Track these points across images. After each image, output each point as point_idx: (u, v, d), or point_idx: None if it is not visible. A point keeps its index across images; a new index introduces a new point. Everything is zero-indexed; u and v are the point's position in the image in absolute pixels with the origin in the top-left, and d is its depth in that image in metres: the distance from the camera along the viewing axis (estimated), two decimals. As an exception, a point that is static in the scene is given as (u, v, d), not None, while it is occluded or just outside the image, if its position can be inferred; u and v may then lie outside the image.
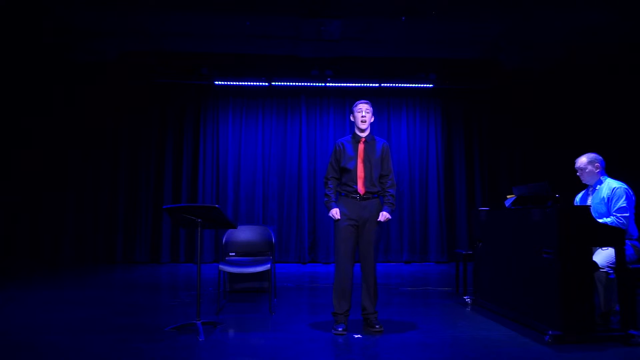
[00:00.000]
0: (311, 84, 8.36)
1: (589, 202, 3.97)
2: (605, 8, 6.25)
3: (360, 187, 3.72)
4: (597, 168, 3.93)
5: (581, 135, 7.79)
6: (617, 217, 3.72)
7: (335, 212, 3.73)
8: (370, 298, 3.74)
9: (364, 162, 3.76)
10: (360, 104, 3.85)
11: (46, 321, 3.99)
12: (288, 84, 8.37)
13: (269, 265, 4.36)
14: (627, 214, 3.71)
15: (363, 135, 3.85)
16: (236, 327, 3.83)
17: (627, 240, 3.69)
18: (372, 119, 3.88)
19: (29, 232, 8.12)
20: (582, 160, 3.98)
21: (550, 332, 3.27)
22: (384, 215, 3.73)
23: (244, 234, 4.97)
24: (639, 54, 7.26)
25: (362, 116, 3.81)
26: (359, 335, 3.55)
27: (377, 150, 3.82)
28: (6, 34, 6.96)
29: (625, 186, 3.82)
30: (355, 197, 3.73)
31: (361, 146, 3.81)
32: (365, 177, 3.73)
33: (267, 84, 8.27)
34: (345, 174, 3.79)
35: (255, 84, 8.32)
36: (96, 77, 8.22)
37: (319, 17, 6.48)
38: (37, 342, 3.38)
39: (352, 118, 3.90)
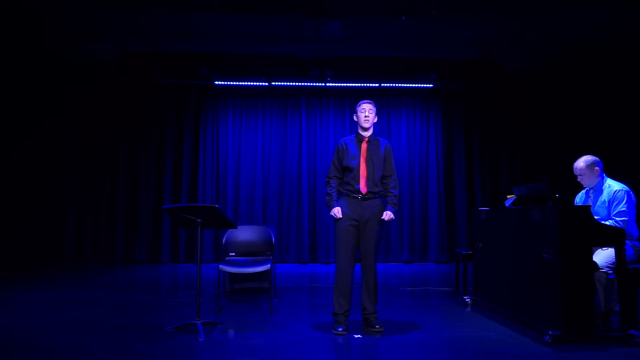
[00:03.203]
0: (311, 84, 8.36)
1: (589, 203, 3.97)
2: (606, 8, 6.25)
3: (363, 187, 3.73)
4: (596, 172, 3.91)
5: (581, 135, 7.79)
6: (616, 222, 3.71)
7: (337, 211, 3.74)
8: (370, 298, 3.74)
9: (367, 161, 3.77)
10: (364, 104, 3.88)
11: (46, 321, 3.99)
12: (288, 84, 8.36)
13: (269, 265, 4.37)
14: (625, 218, 3.71)
15: (366, 134, 3.86)
16: (236, 327, 3.84)
17: (627, 241, 3.69)
18: (376, 119, 3.90)
19: (29, 232, 8.12)
20: (580, 165, 3.95)
21: (550, 332, 3.27)
22: (387, 215, 3.74)
23: (244, 234, 4.97)
24: (638, 53, 7.26)
25: (365, 116, 3.83)
26: (359, 335, 3.55)
27: (380, 150, 3.84)
28: (6, 35, 6.96)
29: (627, 188, 3.82)
30: (357, 197, 3.74)
31: (364, 145, 3.82)
32: (367, 177, 3.75)
33: (267, 84, 8.26)
34: (348, 173, 3.79)
35: (255, 84, 8.32)
36: (96, 77, 8.22)
37: (319, 17, 6.47)
38: (37, 342, 3.38)
39: (355, 118, 3.93)
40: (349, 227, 3.71)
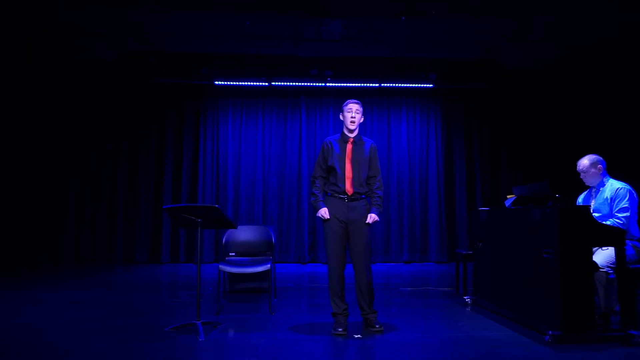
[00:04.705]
0: (311, 84, 8.35)
1: (592, 203, 3.98)
2: (606, 8, 6.25)
3: (348, 188, 3.70)
4: (599, 170, 3.93)
5: (581, 135, 7.78)
6: (617, 218, 3.73)
7: (324, 212, 3.70)
8: (365, 298, 3.72)
9: (352, 162, 3.73)
10: (351, 104, 3.80)
11: (46, 321, 3.99)
12: (288, 84, 8.36)
13: (269, 265, 4.37)
14: (627, 214, 3.73)
15: (351, 135, 3.81)
16: (236, 327, 3.83)
17: (628, 241, 3.70)
18: (362, 120, 3.84)
19: (29, 232, 8.12)
20: (584, 162, 3.97)
21: (550, 332, 3.27)
22: (372, 217, 3.71)
23: (244, 234, 4.97)
24: (639, 53, 7.26)
25: (352, 116, 3.77)
26: (358, 336, 3.55)
27: (365, 150, 3.79)
28: (6, 35, 6.96)
29: (629, 187, 3.84)
30: (343, 198, 3.70)
31: (349, 146, 3.78)
32: (353, 178, 3.71)
33: (267, 84, 8.26)
34: (333, 173, 3.75)
35: (255, 84, 8.32)
36: (96, 77, 8.22)
37: (319, 17, 6.47)
38: (37, 342, 3.38)
39: (341, 117, 3.85)
40: (337, 228, 3.69)
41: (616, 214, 3.76)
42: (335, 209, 3.70)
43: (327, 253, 3.75)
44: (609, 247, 3.58)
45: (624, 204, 3.75)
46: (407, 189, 8.69)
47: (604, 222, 3.70)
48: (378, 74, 8.28)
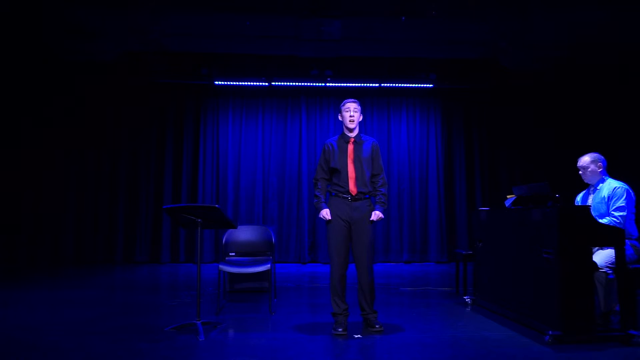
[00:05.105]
0: (311, 84, 8.35)
1: (589, 202, 3.99)
2: (606, 8, 6.25)
3: (352, 188, 3.70)
4: (599, 167, 3.96)
5: (581, 135, 7.79)
6: (614, 217, 3.74)
7: (325, 213, 3.71)
8: (366, 298, 3.73)
9: (355, 162, 3.73)
10: (348, 103, 3.80)
11: (47, 321, 3.99)
12: (288, 84, 8.36)
13: (269, 265, 4.37)
14: (624, 213, 3.74)
15: (352, 135, 3.81)
16: (236, 327, 3.84)
17: (627, 240, 3.70)
18: (361, 118, 3.85)
19: (29, 232, 8.12)
20: (585, 159, 4.00)
21: (550, 332, 3.27)
22: (376, 215, 3.71)
23: (244, 234, 4.97)
24: (639, 53, 7.26)
25: (350, 116, 3.77)
26: (358, 336, 3.55)
27: (367, 149, 3.79)
28: (6, 34, 6.96)
29: (627, 186, 3.85)
30: (347, 198, 3.70)
31: (350, 146, 3.78)
32: (356, 178, 3.71)
33: (267, 84, 8.26)
34: (336, 174, 3.75)
35: (255, 84, 8.31)
36: (96, 77, 8.22)
37: (319, 17, 6.47)
38: (38, 342, 3.38)
39: (340, 117, 3.86)
40: (340, 227, 3.69)
41: (612, 212, 3.77)
42: (339, 209, 3.70)
43: (330, 253, 3.75)
44: (609, 247, 3.58)
45: (621, 202, 3.76)
46: (407, 189, 8.70)
47: (600, 221, 3.71)
48: (378, 74, 8.28)
